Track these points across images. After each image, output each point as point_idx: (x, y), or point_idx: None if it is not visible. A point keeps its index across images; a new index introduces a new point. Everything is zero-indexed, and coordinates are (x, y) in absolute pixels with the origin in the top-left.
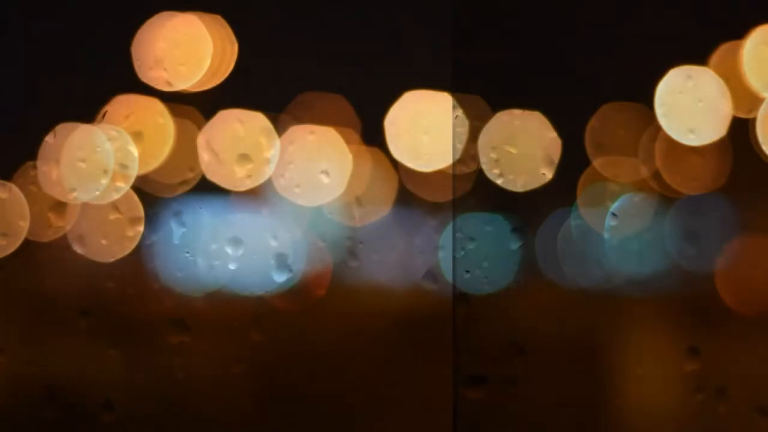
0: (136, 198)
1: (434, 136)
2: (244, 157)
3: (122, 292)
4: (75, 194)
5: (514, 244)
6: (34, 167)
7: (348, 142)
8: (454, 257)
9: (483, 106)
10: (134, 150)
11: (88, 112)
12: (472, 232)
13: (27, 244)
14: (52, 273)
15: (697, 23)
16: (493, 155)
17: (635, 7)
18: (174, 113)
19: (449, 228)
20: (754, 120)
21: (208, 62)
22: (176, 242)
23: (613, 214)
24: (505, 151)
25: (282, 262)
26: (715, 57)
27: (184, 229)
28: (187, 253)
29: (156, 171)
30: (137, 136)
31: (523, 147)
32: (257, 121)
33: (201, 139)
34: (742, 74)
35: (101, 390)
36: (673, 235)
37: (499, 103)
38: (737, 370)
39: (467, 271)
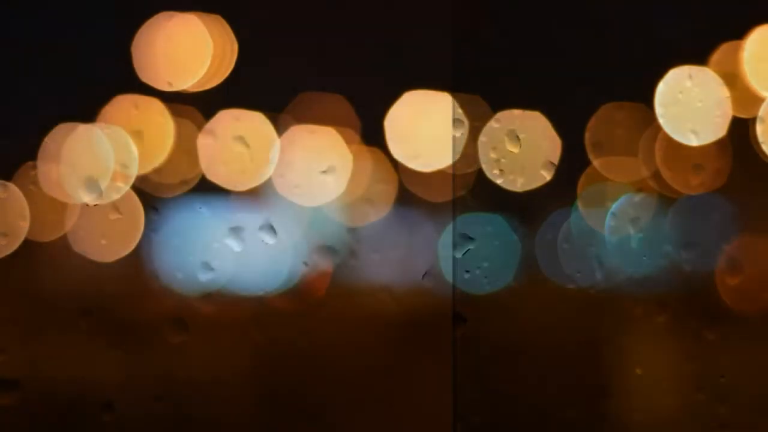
0: (136, 198)
1: (434, 136)
2: (244, 157)
3: (122, 292)
4: (75, 194)
5: (514, 245)
6: (34, 167)
7: (348, 142)
8: (454, 257)
9: (483, 106)
10: (134, 150)
11: (88, 112)
12: (472, 232)
13: (27, 244)
14: (52, 273)
15: (697, 23)
16: (493, 155)
17: (635, 7)
18: (174, 113)
19: (449, 228)
20: (754, 120)
21: (208, 62)
22: (177, 242)
23: (613, 214)
24: (505, 151)
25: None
26: (715, 57)
27: (185, 229)
28: (191, 257)
29: (156, 171)
30: (137, 135)
31: (524, 147)
32: (257, 121)
33: (201, 139)
34: (742, 74)
35: (101, 390)
36: (672, 235)
37: (499, 103)
38: (738, 369)
39: (467, 271)
